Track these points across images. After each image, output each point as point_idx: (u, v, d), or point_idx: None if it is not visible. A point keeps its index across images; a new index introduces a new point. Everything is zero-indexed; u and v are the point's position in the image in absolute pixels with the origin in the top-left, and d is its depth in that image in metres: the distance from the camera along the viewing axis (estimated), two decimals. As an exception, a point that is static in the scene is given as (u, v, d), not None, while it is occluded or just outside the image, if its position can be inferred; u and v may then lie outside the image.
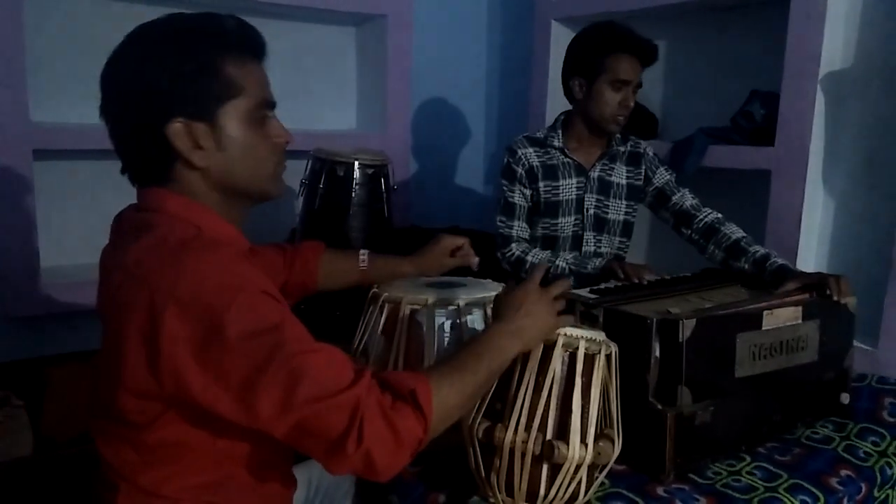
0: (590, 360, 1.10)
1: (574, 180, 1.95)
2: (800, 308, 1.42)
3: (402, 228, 2.46)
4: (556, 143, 1.95)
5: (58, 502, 1.74)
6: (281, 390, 0.84)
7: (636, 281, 1.66)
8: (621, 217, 1.99)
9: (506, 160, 1.98)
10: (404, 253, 1.54)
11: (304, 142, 2.12)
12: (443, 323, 1.34)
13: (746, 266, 1.69)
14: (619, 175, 1.98)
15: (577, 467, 1.07)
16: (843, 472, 1.34)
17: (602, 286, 1.56)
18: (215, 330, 0.85)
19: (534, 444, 1.07)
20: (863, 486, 1.33)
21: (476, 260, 1.54)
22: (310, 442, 0.86)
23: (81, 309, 2.03)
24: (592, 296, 1.44)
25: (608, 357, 1.13)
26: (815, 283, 1.52)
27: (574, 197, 1.96)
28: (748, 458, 1.36)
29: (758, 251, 1.70)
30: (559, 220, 1.96)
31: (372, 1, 2.56)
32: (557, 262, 1.89)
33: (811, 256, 1.97)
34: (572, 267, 1.87)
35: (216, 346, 0.85)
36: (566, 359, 1.10)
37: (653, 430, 1.24)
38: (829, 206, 1.97)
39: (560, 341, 1.09)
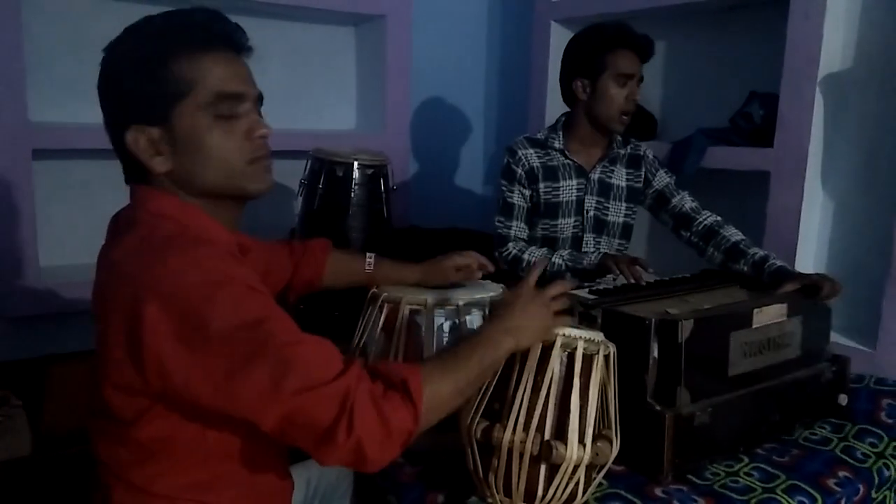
0: (588, 360, 1.11)
1: (574, 182, 1.95)
2: (785, 305, 1.43)
3: (401, 229, 2.46)
4: (556, 145, 1.95)
5: (57, 502, 1.74)
6: (268, 381, 0.84)
7: (628, 272, 1.68)
8: (621, 219, 2.00)
9: (506, 160, 1.98)
10: (404, 253, 1.54)
11: (303, 142, 2.12)
12: (442, 323, 1.34)
13: (745, 268, 1.70)
14: (620, 177, 1.98)
15: (576, 468, 1.07)
16: (841, 474, 1.34)
17: (602, 287, 1.57)
18: (198, 325, 0.85)
19: (532, 444, 1.06)
20: (861, 487, 1.33)
21: (491, 268, 1.53)
22: (299, 433, 0.86)
23: (80, 309, 2.01)
24: (591, 296, 1.45)
25: (606, 357, 1.13)
26: (813, 284, 1.53)
27: (574, 198, 1.96)
28: (746, 459, 1.36)
29: (756, 253, 1.70)
30: (559, 222, 1.96)
31: (371, 1, 2.56)
32: (553, 258, 1.89)
33: (810, 257, 1.97)
34: (568, 263, 1.88)
35: (199, 341, 0.85)
36: (564, 359, 1.10)
37: (651, 430, 1.25)
38: (827, 207, 1.97)
39: (558, 341, 1.10)
